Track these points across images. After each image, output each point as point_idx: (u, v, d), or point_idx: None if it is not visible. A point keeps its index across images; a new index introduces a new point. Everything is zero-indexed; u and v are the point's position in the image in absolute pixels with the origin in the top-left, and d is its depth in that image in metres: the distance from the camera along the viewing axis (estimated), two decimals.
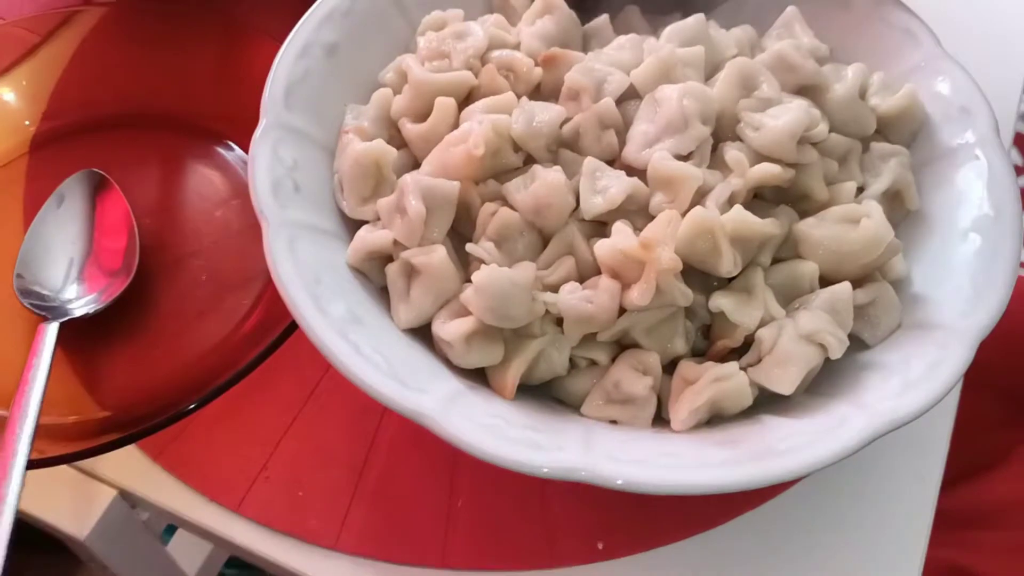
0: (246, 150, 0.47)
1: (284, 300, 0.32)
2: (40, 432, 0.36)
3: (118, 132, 0.49)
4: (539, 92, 0.39)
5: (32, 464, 0.34)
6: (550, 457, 0.29)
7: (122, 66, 0.50)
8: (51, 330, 0.39)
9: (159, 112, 0.49)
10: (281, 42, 0.41)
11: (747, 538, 0.37)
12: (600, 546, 0.37)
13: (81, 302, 0.41)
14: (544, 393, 0.35)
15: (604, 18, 0.42)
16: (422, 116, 0.38)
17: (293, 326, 0.37)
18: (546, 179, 0.34)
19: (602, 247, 0.33)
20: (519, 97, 0.38)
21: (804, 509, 0.38)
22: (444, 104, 0.37)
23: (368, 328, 0.33)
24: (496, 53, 0.39)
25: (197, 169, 0.48)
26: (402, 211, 0.35)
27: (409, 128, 0.38)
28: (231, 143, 0.48)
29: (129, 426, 0.37)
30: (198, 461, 0.39)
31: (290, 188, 0.36)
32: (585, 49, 0.41)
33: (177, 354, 0.41)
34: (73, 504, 0.38)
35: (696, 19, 0.39)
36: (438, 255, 0.34)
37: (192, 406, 0.36)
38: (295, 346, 0.38)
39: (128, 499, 0.39)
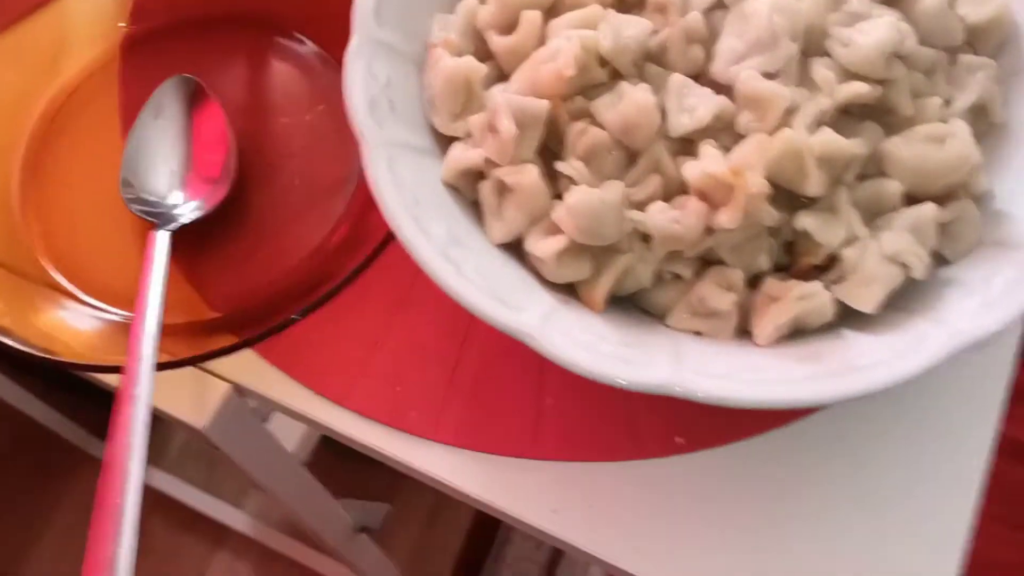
0: (327, 50, 0.48)
1: (388, 222, 0.34)
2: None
3: (203, 33, 0.50)
4: (623, 2, 0.39)
5: (161, 366, 0.38)
6: (642, 373, 0.31)
7: None
8: (163, 238, 0.41)
9: (241, 11, 0.50)
10: None
11: (821, 432, 0.40)
12: (679, 440, 0.40)
13: (186, 208, 0.43)
14: (629, 303, 0.37)
15: None
16: (508, 28, 0.39)
17: (390, 236, 0.39)
18: (634, 99, 0.35)
19: (691, 170, 0.34)
20: (604, 8, 0.38)
21: (876, 409, 0.40)
22: (530, 18, 0.38)
23: (466, 247, 0.35)
24: None
25: (282, 70, 0.49)
26: (493, 130, 0.36)
27: (496, 41, 0.39)
28: (311, 42, 0.49)
29: (239, 327, 0.41)
30: (302, 357, 0.42)
31: (386, 107, 0.37)
32: None
33: (278, 258, 0.44)
34: (191, 398, 0.42)
35: None
36: (531, 175, 0.35)
37: (298, 315, 0.39)
38: (387, 250, 0.41)
39: (240, 392, 0.43)
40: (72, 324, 0.42)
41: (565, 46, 0.36)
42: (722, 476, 0.39)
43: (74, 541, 1.07)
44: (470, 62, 0.38)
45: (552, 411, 0.41)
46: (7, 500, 1.13)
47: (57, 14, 0.49)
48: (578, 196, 0.34)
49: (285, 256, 0.44)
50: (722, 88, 0.36)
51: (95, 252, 0.45)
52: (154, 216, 0.42)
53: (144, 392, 0.36)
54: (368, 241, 0.40)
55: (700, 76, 0.37)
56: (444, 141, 0.38)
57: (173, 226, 0.42)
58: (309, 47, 0.49)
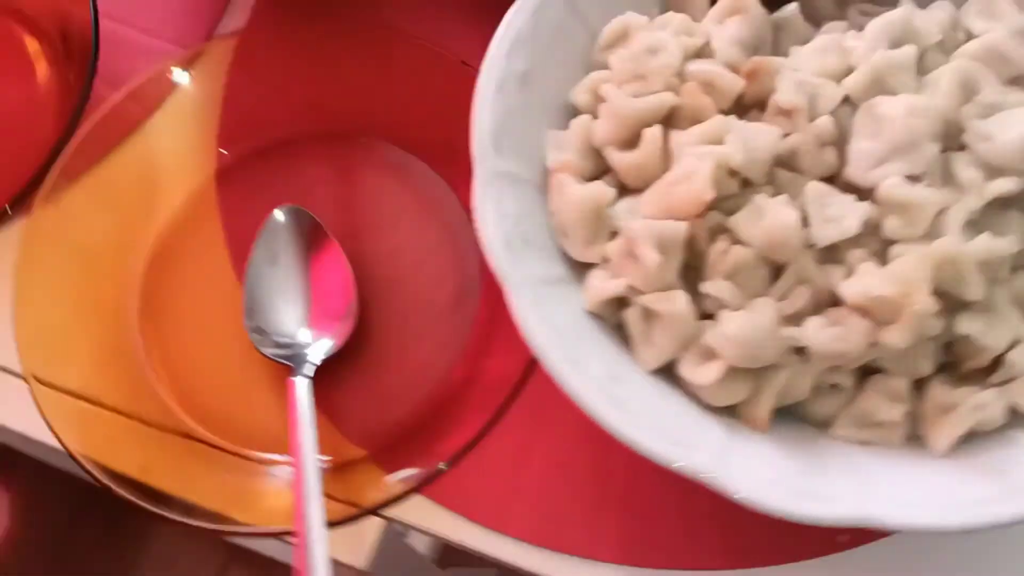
0: (422, 156, 0.48)
1: (544, 364, 0.34)
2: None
3: (295, 151, 0.49)
4: (740, 103, 0.39)
5: (332, 524, 0.38)
6: (833, 508, 0.31)
7: (278, 87, 0.50)
8: (303, 385, 0.41)
9: (330, 127, 0.50)
10: (427, 42, 0.43)
11: None
12: (842, 538, 0.40)
13: (319, 348, 0.43)
14: (786, 413, 0.37)
15: (794, 7, 0.40)
16: (626, 142, 0.39)
17: (530, 367, 0.40)
18: (779, 217, 0.35)
19: (852, 288, 0.33)
20: (722, 113, 0.38)
21: None
22: (651, 137, 0.37)
23: (625, 382, 0.35)
24: (694, 67, 0.39)
25: (380, 184, 0.49)
26: (633, 256, 0.36)
27: (617, 157, 0.38)
28: (401, 149, 0.49)
29: (387, 462, 0.41)
30: (449, 484, 0.42)
31: (519, 242, 0.37)
32: (776, 44, 0.41)
33: (409, 385, 0.44)
34: (346, 536, 0.42)
35: (904, 11, 0.38)
36: (680, 302, 0.35)
37: (446, 465, 0.40)
38: None
39: (393, 525, 0.43)
40: (219, 476, 0.42)
41: (699, 167, 0.35)
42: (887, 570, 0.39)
43: None
44: (598, 189, 0.37)
45: (707, 514, 0.41)
46: (79, 564, 1.14)
47: (142, 147, 0.49)
48: (736, 324, 0.34)
49: (416, 381, 0.44)
50: (860, 191, 0.36)
51: (223, 394, 0.45)
52: (287, 359, 0.43)
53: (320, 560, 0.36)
54: (512, 376, 0.40)
55: (834, 179, 0.37)
56: (577, 266, 0.38)
57: (309, 369, 0.42)
58: (401, 155, 0.49)
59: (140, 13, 0.53)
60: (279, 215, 0.46)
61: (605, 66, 0.41)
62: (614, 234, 0.38)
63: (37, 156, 0.47)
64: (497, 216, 0.37)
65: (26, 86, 0.52)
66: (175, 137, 0.50)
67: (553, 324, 0.35)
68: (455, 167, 0.48)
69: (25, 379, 0.41)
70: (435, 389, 0.43)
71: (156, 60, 0.49)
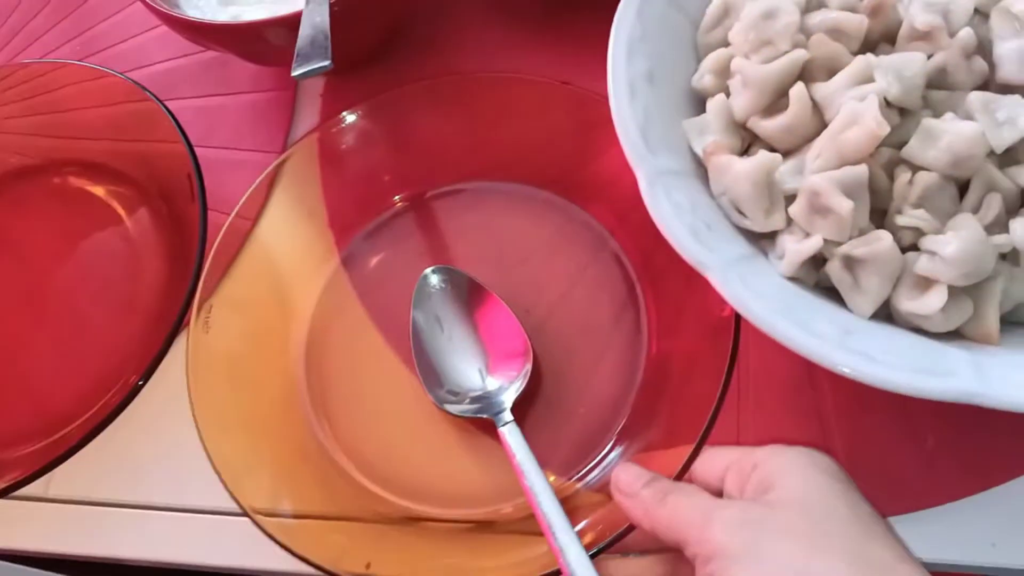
0: (536, 183, 0.48)
1: (772, 334, 0.34)
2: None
3: (399, 216, 0.50)
4: (867, 42, 0.39)
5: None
6: None
7: (370, 165, 0.50)
8: (513, 431, 0.40)
9: (429, 184, 0.50)
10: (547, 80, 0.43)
11: None
12: None
13: (507, 392, 0.42)
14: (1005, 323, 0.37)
15: None
16: (768, 109, 0.39)
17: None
18: (962, 134, 0.35)
19: None
20: (854, 55, 0.38)
21: None
22: (799, 93, 0.37)
23: (857, 334, 0.35)
24: (816, 19, 0.39)
25: (506, 221, 0.49)
26: (823, 211, 0.36)
27: (766, 125, 0.39)
28: (516, 182, 0.49)
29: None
30: None
31: (704, 229, 0.37)
32: None
33: (593, 409, 0.43)
34: None
35: None
36: (886, 240, 0.35)
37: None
38: None
39: None
40: (442, 546, 0.41)
41: (863, 107, 0.36)
42: None
43: None
44: (765, 158, 0.37)
45: (942, 449, 0.40)
46: None
47: (263, 256, 0.48)
48: (955, 245, 0.34)
49: (602, 402, 0.43)
50: (1019, 89, 0.36)
51: (417, 467, 0.44)
52: (482, 412, 0.42)
53: None
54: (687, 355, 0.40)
55: (987, 85, 0.37)
56: (756, 240, 0.38)
57: (507, 415, 0.41)
58: (516, 187, 0.49)
59: (215, 134, 0.53)
60: (427, 277, 0.46)
61: (713, 48, 0.42)
62: (788, 199, 0.38)
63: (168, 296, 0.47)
64: (675, 209, 0.37)
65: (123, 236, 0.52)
66: (290, 236, 0.49)
67: (766, 296, 0.35)
68: (569, 183, 0.48)
69: (247, 514, 0.40)
70: (621, 406, 0.43)
71: (242, 173, 0.49)
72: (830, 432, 0.42)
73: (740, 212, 0.38)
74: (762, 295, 0.35)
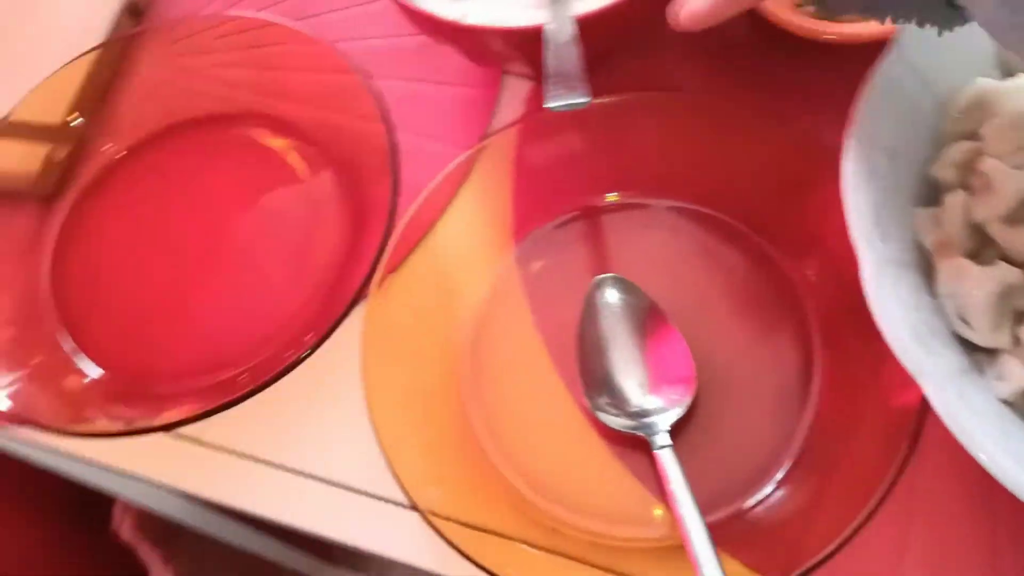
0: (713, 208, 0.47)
1: (985, 464, 0.32)
2: None
3: (585, 224, 0.49)
4: None
5: None
6: None
7: (567, 164, 0.50)
8: (669, 455, 0.40)
9: (614, 199, 0.49)
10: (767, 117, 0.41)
11: None
12: None
13: (666, 415, 0.42)
14: None
15: None
16: (1014, 218, 0.37)
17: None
18: None
19: None
20: None
21: None
22: None
23: None
24: None
25: (695, 248, 0.48)
26: None
27: (1009, 235, 0.37)
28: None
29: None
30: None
31: (925, 331, 0.36)
32: None
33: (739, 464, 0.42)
34: None
35: None
36: None
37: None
38: None
39: None
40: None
41: None
42: None
43: None
44: (1005, 273, 0.36)
45: None
46: None
47: (442, 244, 0.48)
48: None
49: (756, 449, 0.42)
50: None
51: (573, 480, 0.43)
52: (638, 429, 0.42)
53: None
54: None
55: None
56: (971, 351, 0.37)
57: (664, 437, 0.41)
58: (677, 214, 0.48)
59: (413, 119, 0.53)
60: (600, 284, 0.45)
61: (958, 137, 0.40)
62: (1017, 315, 0.36)
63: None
64: (899, 307, 0.35)
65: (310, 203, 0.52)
66: (472, 224, 0.49)
67: (980, 416, 0.34)
68: (767, 224, 0.47)
69: (421, 513, 0.40)
70: (773, 462, 0.42)
71: (433, 162, 0.49)
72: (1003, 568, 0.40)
73: (964, 320, 0.37)
74: (976, 413, 0.34)
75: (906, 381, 0.34)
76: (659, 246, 0.48)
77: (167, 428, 0.44)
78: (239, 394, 0.43)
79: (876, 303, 0.35)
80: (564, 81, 0.41)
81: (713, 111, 0.48)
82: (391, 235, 0.46)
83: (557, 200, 0.50)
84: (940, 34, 0.35)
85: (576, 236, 0.49)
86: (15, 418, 0.45)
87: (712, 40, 0.45)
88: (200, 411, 0.43)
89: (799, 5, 0.50)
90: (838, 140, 0.39)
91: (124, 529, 0.75)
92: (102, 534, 0.87)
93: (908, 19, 0.35)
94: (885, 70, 0.39)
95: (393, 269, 0.46)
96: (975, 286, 0.36)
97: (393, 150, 0.48)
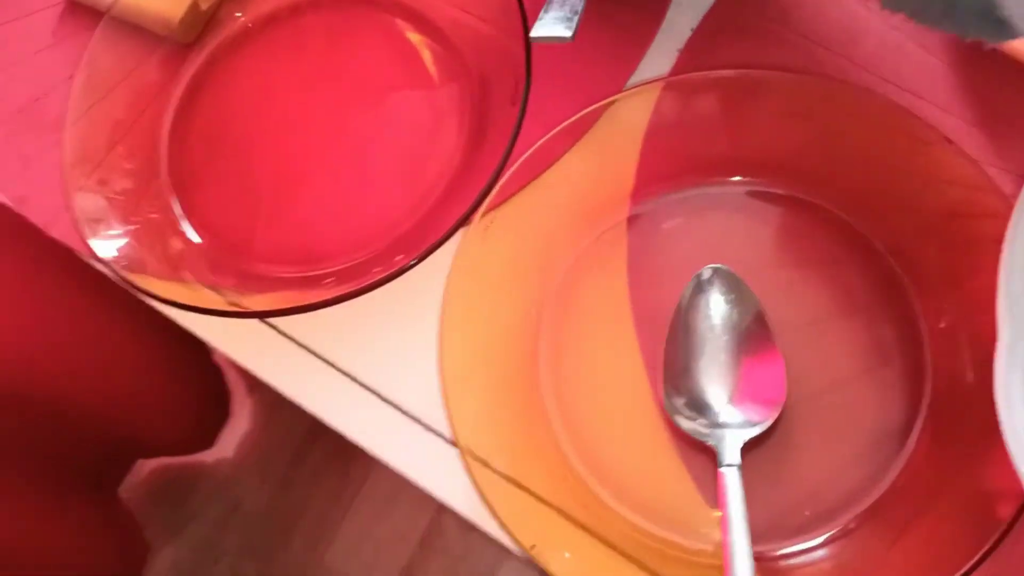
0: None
1: None
2: None
3: (705, 204, 0.46)
4: None
5: None
6: None
7: (703, 134, 0.46)
8: (734, 478, 0.38)
9: (747, 180, 0.46)
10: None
11: None
12: None
13: (742, 432, 0.40)
14: None
15: None
16: None
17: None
18: None
19: None
20: None
21: None
22: None
23: None
24: None
25: (795, 242, 0.44)
26: None
27: None
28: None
29: None
30: None
31: None
32: None
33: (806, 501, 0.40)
34: None
35: None
36: None
37: None
38: None
39: None
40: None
41: None
42: None
43: (376, 525, 1.12)
44: None
45: None
46: (312, 481, 1.17)
47: (557, 186, 0.46)
48: None
49: (818, 490, 0.40)
50: None
51: (631, 469, 0.42)
52: (709, 439, 0.40)
53: None
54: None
55: None
56: None
57: (734, 455, 0.39)
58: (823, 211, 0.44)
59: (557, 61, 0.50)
60: (710, 277, 0.43)
61: None
62: None
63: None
64: None
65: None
66: (590, 177, 0.46)
67: None
68: (876, 217, 0.44)
69: (460, 450, 0.40)
70: (845, 509, 0.40)
71: (572, 96, 0.46)
72: None
73: None
74: None
75: (1012, 480, 0.31)
76: (780, 245, 0.45)
77: (251, 315, 0.44)
78: (320, 300, 0.43)
79: (1002, 391, 0.32)
80: (561, 9, 0.38)
81: (886, 113, 0.43)
82: (505, 169, 0.44)
83: (684, 170, 0.46)
84: (986, 47, 0.32)
85: (694, 214, 0.46)
86: (123, 266, 0.45)
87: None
88: (282, 306, 0.43)
89: None
90: (1015, 189, 0.34)
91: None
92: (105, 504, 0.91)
93: (957, 30, 0.33)
94: None
95: (497, 205, 0.44)
96: None
97: (527, 75, 0.45)
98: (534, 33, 0.40)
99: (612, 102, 0.46)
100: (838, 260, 0.44)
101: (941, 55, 0.46)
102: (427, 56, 0.52)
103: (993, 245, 0.36)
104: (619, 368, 0.44)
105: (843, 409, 0.41)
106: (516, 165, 0.45)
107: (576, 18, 0.39)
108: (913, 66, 0.47)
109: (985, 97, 0.45)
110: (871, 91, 0.43)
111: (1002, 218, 0.36)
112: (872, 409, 0.41)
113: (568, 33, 0.39)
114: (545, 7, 0.40)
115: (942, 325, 0.41)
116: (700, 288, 0.42)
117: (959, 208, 0.41)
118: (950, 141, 0.41)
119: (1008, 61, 0.42)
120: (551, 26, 0.39)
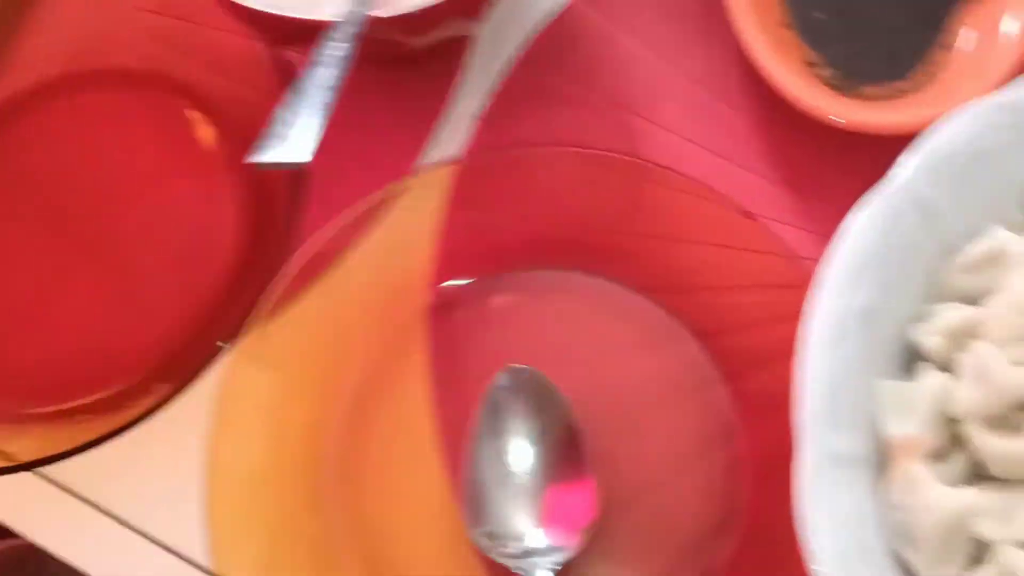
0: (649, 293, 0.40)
1: None
2: None
3: (506, 287, 0.42)
4: None
5: None
6: None
7: (498, 218, 0.42)
8: None
9: (548, 262, 0.42)
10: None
11: None
12: None
13: (553, 556, 0.36)
14: None
15: None
16: (997, 422, 0.30)
17: None
18: None
19: None
20: None
21: None
22: None
23: None
24: None
25: (602, 322, 0.41)
26: None
27: (988, 443, 0.30)
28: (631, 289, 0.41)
29: None
30: None
31: (855, 552, 0.29)
32: None
33: None
34: None
35: None
36: None
37: None
38: None
39: None
40: None
41: None
42: None
43: None
44: (965, 501, 0.29)
45: None
46: None
47: (345, 281, 0.41)
48: None
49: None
50: None
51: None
52: (519, 568, 0.36)
53: None
54: None
55: None
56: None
57: None
58: (628, 292, 0.41)
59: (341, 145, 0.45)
60: (507, 379, 0.38)
61: (958, 296, 0.32)
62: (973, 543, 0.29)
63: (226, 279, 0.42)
64: (831, 522, 0.29)
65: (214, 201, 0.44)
66: (381, 270, 0.42)
67: None
68: (683, 297, 0.41)
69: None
70: None
71: (359, 189, 0.41)
72: None
73: (910, 542, 0.30)
74: None
75: None
76: (591, 332, 0.41)
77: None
78: (77, 444, 0.37)
79: (804, 512, 0.29)
80: (288, 129, 0.33)
81: (681, 188, 0.40)
82: (280, 274, 0.40)
83: (483, 254, 0.42)
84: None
85: (497, 303, 0.42)
86: None
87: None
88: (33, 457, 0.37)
89: (811, 64, 0.41)
90: (819, 252, 0.31)
91: None
92: None
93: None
94: (881, 201, 0.32)
95: (275, 313, 0.39)
96: (927, 508, 0.29)
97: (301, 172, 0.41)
98: (257, 159, 0.32)
99: (401, 188, 0.41)
100: (650, 345, 0.40)
101: (747, 115, 0.43)
102: (205, 139, 0.46)
103: (792, 323, 0.33)
104: (424, 490, 0.39)
105: (661, 511, 0.38)
106: (291, 269, 0.40)
107: (311, 136, 0.33)
108: (720, 126, 0.44)
109: (791, 158, 0.43)
110: (669, 169, 0.40)
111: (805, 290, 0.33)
112: (691, 508, 0.38)
113: (304, 156, 0.32)
114: (269, 126, 0.33)
115: (753, 413, 0.38)
116: (499, 397, 0.38)
117: (763, 279, 0.38)
118: (749, 214, 0.38)
119: (812, 122, 0.39)
120: (277, 150, 0.32)
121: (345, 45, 0.35)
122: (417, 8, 0.37)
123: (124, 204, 0.45)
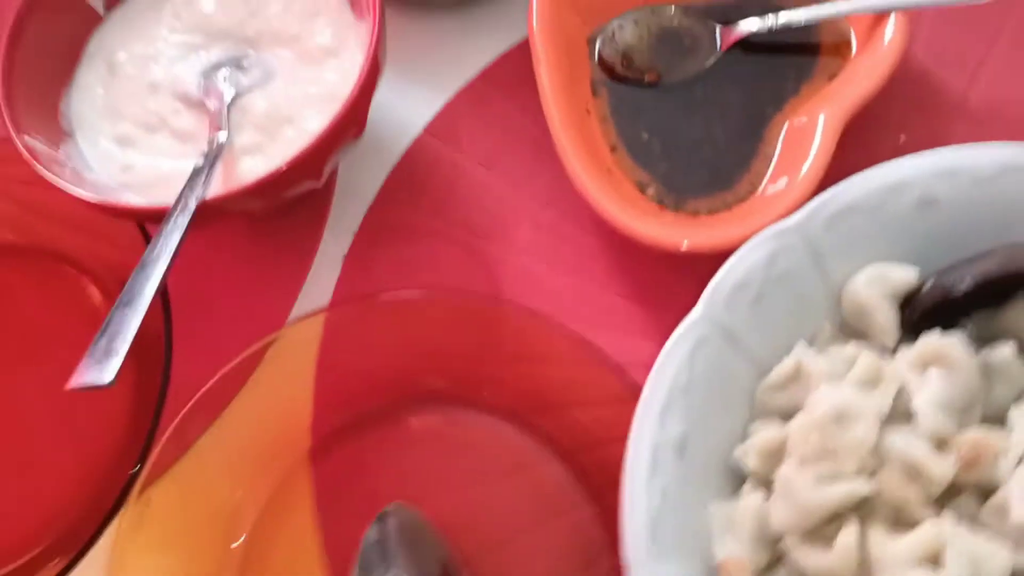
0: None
1: None
2: None
3: (384, 423, 0.44)
4: (952, 487, 0.32)
5: None
6: None
7: (369, 359, 0.44)
8: None
9: (424, 395, 0.44)
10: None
11: None
12: None
13: None
14: None
15: (1010, 351, 0.33)
16: (811, 532, 0.32)
17: None
18: None
19: None
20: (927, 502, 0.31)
21: None
22: (846, 545, 0.31)
23: None
24: (895, 445, 0.31)
25: (474, 452, 0.43)
26: None
27: (802, 555, 0.32)
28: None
29: None
30: None
31: None
32: (987, 393, 0.33)
33: None
34: None
35: None
36: None
37: None
38: None
39: None
40: None
41: None
42: None
43: None
44: None
45: None
46: None
47: (226, 436, 0.43)
48: None
49: None
50: None
51: None
52: None
53: None
54: None
55: None
56: None
57: None
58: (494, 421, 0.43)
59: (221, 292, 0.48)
60: (383, 522, 0.39)
61: (773, 412, 0.35)
62: None
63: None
64: None
65: None
66: (261, 422, 0.44)
67: None
68: (545, 418, 0.43)
69: None
70: None
71: (233, 342, 0.43)
72: None
73: None
74: None
75: None
76: (469, 460, 0.43)
77: None
78: None
79: None
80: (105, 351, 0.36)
81: (532, 318, 0.42)
82: (157, 436, 0.41)
83: (361, 394, 0.44)
84: None
85: (378, 440, 0.44)
86: None
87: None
88: None
89: (641, 184, 0.44)
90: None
91: None
92: None
93: None
94: (685, 333, 0.34)
95: (156, 478, 0.41)
96: None
97: (167, 324, 0.42)
98: (72, 384, 0.36)
99: (274, 339, 0.43)
100: (519, 469, 0.42)
101: (593, 234, 0.46)
102: (90, 299, 0.48)
103: None
104: None
105: None
106: (169, 432, 0.41)
107: (115, 360, 0.36)
108: (569, 246, 0.46)
109: (634, 272, 0.45)
110: (510, 302, 0.42)
111: None
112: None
113: (106, 379, 0.36)
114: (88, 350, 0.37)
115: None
116: (375, 545, 0.39)
117: (603, 395, 0.40)
118: (589, 343, 0.40)
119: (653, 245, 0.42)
120: (86, 373, 0.36)
121: (178, 233, 0.37)
122: (252, 184, 0.39)
123: (13, 376, 0.47)
